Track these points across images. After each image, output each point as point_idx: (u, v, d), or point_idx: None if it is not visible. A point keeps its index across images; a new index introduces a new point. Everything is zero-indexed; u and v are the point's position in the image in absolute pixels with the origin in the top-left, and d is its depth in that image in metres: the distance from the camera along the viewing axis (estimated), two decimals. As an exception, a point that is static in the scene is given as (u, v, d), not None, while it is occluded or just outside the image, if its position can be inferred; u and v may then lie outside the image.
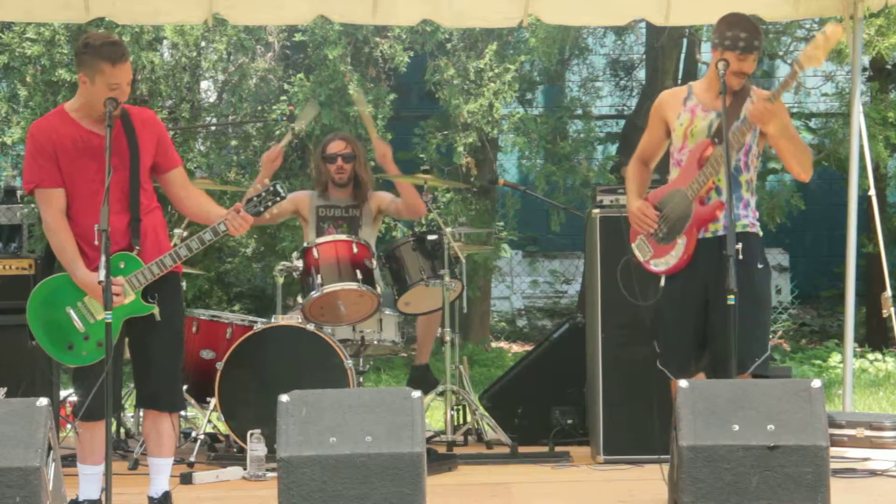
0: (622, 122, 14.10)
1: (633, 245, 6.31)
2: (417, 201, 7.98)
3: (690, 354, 6.04)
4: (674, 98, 6.24)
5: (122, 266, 5.59)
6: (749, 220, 6.11)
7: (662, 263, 6.19)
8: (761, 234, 6.17)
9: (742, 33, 5.97)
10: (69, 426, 7.49)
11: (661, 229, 6.17)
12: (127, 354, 5.90)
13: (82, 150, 5.64)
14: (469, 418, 7.96)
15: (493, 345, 13.18)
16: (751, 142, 6.07)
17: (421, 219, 11.59)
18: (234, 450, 7.31)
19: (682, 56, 12.88)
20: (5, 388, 7.11)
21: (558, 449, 7.51)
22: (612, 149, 13.75)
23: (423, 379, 8.22)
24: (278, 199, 5.81)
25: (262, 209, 5.78)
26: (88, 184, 5.63)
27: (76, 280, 5.61)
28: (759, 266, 6.06)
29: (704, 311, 6.04)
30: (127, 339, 5.76)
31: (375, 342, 7.79)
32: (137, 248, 5.64)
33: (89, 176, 5.63)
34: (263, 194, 5.78)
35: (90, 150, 5.63)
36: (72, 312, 5.64)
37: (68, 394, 7.89)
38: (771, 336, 6.08)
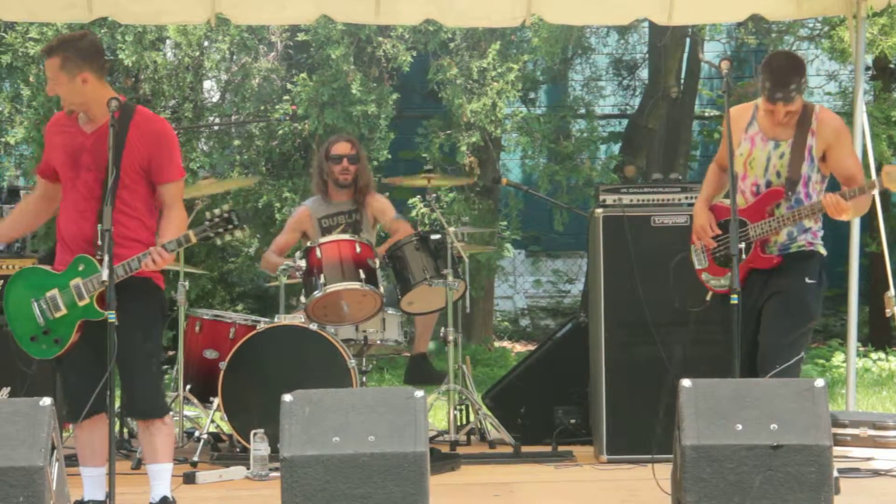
0: (625, 122, 14.09)
1: (692, 248, 6.32)
2: (407, 226, 8.10)
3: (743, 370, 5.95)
4: (740, 118, 6.19)
5: (80, 269, 5.60)
6: (806, 240, 6.12)
7: (714, 281, 6.22)
8: (824, 253, 6.16)
9: (778, 86, 5.94)
10: (72, 426, 7.49)
11: (720, 251, 6.16)
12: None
13: (67, 148, 5.71)
14: (472, 418, 7.96)
15: (496, 344, 13.17)
16: (808, 172, 6.05)
17: (424, 218, 11.61)
18: (238, 449, 7.31)
19: (685, 55, 12.87)
20: (9, 388, 7.12)
21: (561, 448, 7.51)
22: (615, 148, 13.75)
23: (421, 368, 8.24)
24: (230, 226, 5.64)
25: (210, 234, 5.64)
26: (65, 182, 5.72)
27: None
28: (808, 280, 6.07)
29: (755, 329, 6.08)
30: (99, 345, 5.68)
31: (378, 342, 7.79)
32: (99, 254, 5.55)
33: (66, 175, 5.71)
34: (216, 220, 5.65)
35: (70, 148, 5.70)
36: (35, 305, 5.67)
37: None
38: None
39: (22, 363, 6.75)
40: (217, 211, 5.71)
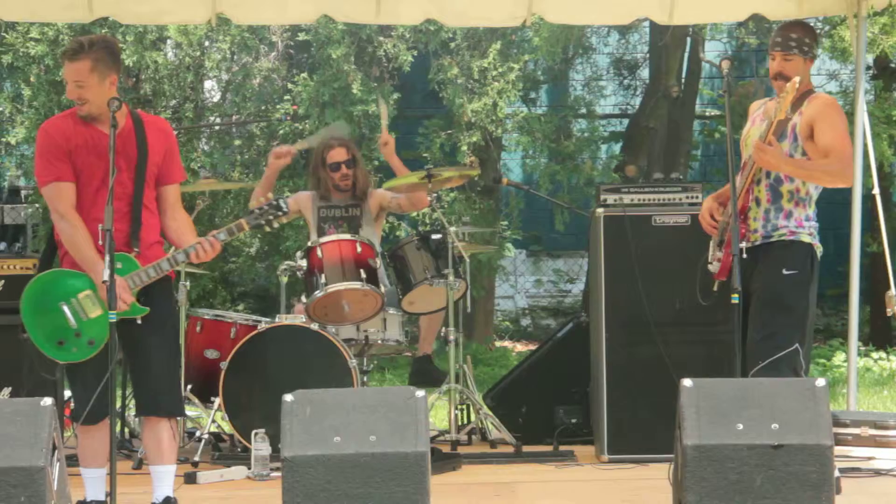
0: (626, 122, 14.10)
1: (710, 243, 6.28)
2: (421, 194, 7.92)
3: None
4: (755, 109, 6.25)
5: (119, 266, 5.55)
6: (789, 228, 6.04)
7: (712, 268, 6.21)
8: (811, 242, 6.06)
9: (779, 33, 5.99)
10: (73, 426, 7.50)
11: (719, 235, 6.17)
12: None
13: (92, 148, 5.64)
14: (473, 417, 7.96)
15: (497, 344, 13.18)
16: (789, 151, 5.99)
17: (425, 218, 11.62)
18: (239, 449, 7.31)
19: (686, 55, 12.88)
20: (10, 388, 7.11)
21: (562, 448, 7.51)
22: (616, 148, 13.76)
23: (426, 370, 8.21)
24: (279, 213, 5.74)
25: (262, 222, 5.73)
26: (92, 181, 5.64)
27: (95, 278, 5.56)
28: (786, 272, 5.99)
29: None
30: (120, 343, 5.70)
31: (379, 341, 7.79)
32: (136, 250, 5.61)
33: (94, 174, 5.63)
34: (266, 207, 5.73)
35: (98, 148, 5.63)
36: (65, 308, 5.62)
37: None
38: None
39: (44, 370, 6.71)
40: (262, 199, 5.75)
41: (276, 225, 5.79)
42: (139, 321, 5.60)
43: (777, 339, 5.92)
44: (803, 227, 6.07)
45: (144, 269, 5.59)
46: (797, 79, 5.77)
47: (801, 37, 5.99)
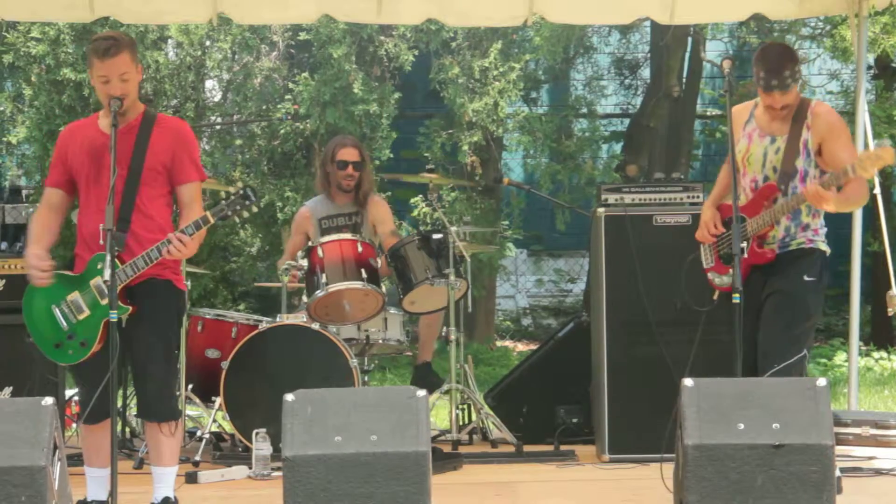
0: (627, 121, 14.10)
1: (702, 247, 6.32)
2: (391, 239, 8.01)
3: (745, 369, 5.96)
4: (740, 117, 6.22)
5: (99, 266, 5.56)
6: (807, 237, 6.10)
7: (718, 280, 6.23)
8: (826, 250, 6.14)
9: (772, 72, 5.97)
10: (74, 425, 7.50)
11: (724, 247, 6.17)
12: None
13: (87, 150, 5.68)
14: (474, 417, 7.95)
15: (498, 343, 13.18)
16: (804, 167, 6.04)
17: (426, 218, 11.63)
18: (240, 449, 7.31)
19: (687, 55, 12.88)
20: (11, 388, 7.12)
21: (563, 448, 7.51)
22: (617, 147, 13.76)
23: (426, 378, 8.21)
24: (248, 202, 5.60)
25: (228, 213, 5.62)
26: (86, 182, 5.68)
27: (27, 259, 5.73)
28: (806, 278, 6.04)
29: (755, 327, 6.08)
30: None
31: (380, 341, 7.79)
32: (118, 249, 5.54)
33: (87, 175, 5.67)
34: (233, 198, 5.61)
35: (93, 148, 5.66)
36: (56, 311, 5.64)
37: (74, 393, 7.90)
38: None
39: (46, 371, 6.73)
40: (232, 189, 5.70)
41: (245, 215, 5.65)
42: (122, 321, 5.56)
43: (788, 344, 5.97)
44: (819, 234, 6.16)
45: (123, 268, 5.55)
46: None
47: (791, 68, 5.99)
